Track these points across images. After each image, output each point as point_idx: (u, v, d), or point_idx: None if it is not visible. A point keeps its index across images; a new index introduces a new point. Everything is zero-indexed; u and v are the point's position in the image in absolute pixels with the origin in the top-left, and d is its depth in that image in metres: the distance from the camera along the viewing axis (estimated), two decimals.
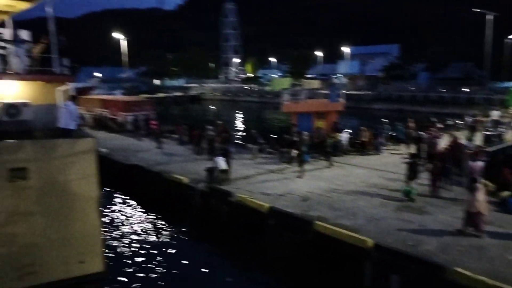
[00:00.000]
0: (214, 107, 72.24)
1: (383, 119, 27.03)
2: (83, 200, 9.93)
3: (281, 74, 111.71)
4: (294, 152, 20.33)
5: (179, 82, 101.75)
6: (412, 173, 15.45)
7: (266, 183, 17.58)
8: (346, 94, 33.46)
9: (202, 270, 13.21)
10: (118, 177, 20.90)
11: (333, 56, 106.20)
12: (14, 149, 9.07)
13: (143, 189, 20.10)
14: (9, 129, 11.65)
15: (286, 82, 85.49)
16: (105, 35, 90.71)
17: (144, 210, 18.81)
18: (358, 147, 23.70)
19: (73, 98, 11.33)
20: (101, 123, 36.93)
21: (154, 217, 17.82)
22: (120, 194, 20.58)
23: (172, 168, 20.52)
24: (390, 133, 26.06)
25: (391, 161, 21.16)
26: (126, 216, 18.13)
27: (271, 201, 14.91)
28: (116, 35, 58.30)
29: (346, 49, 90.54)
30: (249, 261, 13.68)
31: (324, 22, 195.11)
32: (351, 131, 25.14)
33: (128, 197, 20.33)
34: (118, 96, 55.40)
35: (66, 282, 9.88)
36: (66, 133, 10.61)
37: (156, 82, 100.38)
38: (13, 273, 9.16)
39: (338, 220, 13.11)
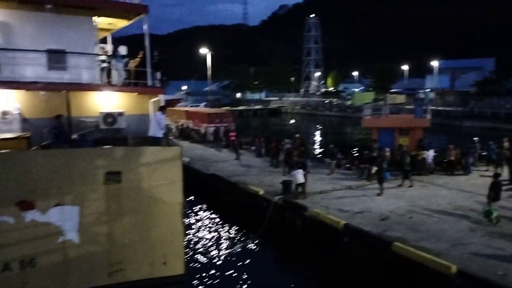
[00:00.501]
0: (293, 121, 72.35)
1: (474, 138, 24.86)
2: (168, 205, 10.38)
3: (363, 88, 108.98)
4: (374, 169, 19.46)
5: (260, 95, 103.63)
6: (495, 193, 14.01)
7: (343, 199, 16.99)
8: (434, 110, 31.53)
9: (273, 281, 13.07)
10: (197, 185, 21.54)
11: (421, 70, 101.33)
12: (110, 154, 9.75)
13: (219, 198, 20.48)
14: (105, 136, 12.66)
15: (369, 96, 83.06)
16: (192, 50, 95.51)
17: (219, 218, 19.14)
18: (445, 166, 22.05)
19: (162, 109, 11.99)
20: (184, 133, 38.63)
21: (229, 225, 18.04)
22: (198, 201, 21.17)
23: (249, 179, 20.69)
24: (481, 152, 23.92)
25: (481, 183, 19.30)
26: (203, 223, 18.60)
27: (347, 218, 14.37)
28: (203, 50, 60.98)
29: (434, 63, 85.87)
30: (321, 277, 13.26)
31: (412, 35, 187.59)
32: (436, 149, 23.52)
33: (205, 205, 20.85)
34: (202, 108, 57.79)
35: (149, 281, 10.33)
36: (155, 141, 11.18)
37: (238, 95, 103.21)
38: (104, 270, 9.80)
39: (419, 242, 12.20)
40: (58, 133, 11.80)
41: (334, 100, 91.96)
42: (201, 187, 21.72)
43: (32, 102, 12.30)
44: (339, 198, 17.16)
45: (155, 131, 11.35)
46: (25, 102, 12.22)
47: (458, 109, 62.45)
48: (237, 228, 17.67)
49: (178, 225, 10.60)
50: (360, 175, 21.08)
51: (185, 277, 11.08)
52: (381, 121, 25.27)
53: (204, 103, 71.14)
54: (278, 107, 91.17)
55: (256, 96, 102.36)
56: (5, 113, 11.82)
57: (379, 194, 17.49)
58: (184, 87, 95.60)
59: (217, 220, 19.01)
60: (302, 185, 17.27)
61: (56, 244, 9.23)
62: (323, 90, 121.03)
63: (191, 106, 59.24)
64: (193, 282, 12.36)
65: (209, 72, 58.24)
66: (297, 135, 28.64)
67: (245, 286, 12.60)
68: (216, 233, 17.29)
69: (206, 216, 19.58)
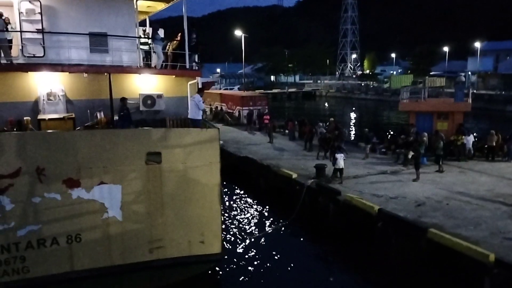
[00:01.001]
0: (327, 104, 71.50)
1: None
2: (206, 185, 10.63)
3: (401, 71, 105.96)
4: (410, 154, 19.12)
5: (294, 78, 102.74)
6: None
7: (377, 184, 16.85)
8: (475, 93, 30.38)
9: (305, 264, 13.22)
10: (229, 168, 21.86)
11: (462, 52, 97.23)
12: (150, 135, 10.03)
13: (252, 180, 20.72)
14: (145, 118, 13.03)
15: (407, 79, 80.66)
16: (227, 32, 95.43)
17: (252, 201, 19.44)
18: (486, 152, 21.36)
19: (200, 91, 12.17)
20: (218, 116, 39.03)
21: (261, 208, 18.30)
22: (231, 184, 21.49)
23: (282, 162, 20.79)
24: None
25: None
26: (236, 204, 18.92)
27: (381, 203, 14.27)
28: (237, 32, 60.82)
29: (477, 44, 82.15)
30: (353, 262, 13.31)
31: (453, 15, 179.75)
32: (478, 134, 22.78)
33: (238, 187, 21.15)
34: (235, 91, 58.04)
35: (188, 259, 10.72)
36: (194, 123, 11.41)
37: (272, 78, 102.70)
38: (145, 246, 10.23)
39: (456, 229, 12.00)
40: (124, 115, 12.22)
41: (371, 83, 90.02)
42: (234, 169, 22.00)
43: (75, 84, 12.73)
44: (373, 183, 17.03)
45: (194, 113, 11.54)
46: (68, 84, 12.67)
47: (501, 93, 59.84)
48: (269, 210, 17.89)
49: (216, 205, 10.85)
50: (395, 160, 20.79)
51: (221, 256, 11.41)
52: (419, 105, 24.63)
53: (238, 86, 71.37)
54: (313, 90, 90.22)
55: (290, 79, 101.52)
56: (50, 95, 12.32)
57: (415, 180, 17.22)
58: (218, 70, 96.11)
59: (250, 202, 19.30)
60: (341, 170, 17.19)
61: (100, 221, 9.68)
62: (359, 72, 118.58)
63: (225, 89, 59.52)
64: (229, 262, 12.71)
65: (243, 54, 58.12)
66: (332, 119, 28.42)
67: (278, 268, 12.82)
68: (249, 215, 17.57)
69: (238, 198, 19.90)
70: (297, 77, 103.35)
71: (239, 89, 65.72)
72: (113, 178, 9.57)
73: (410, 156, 19.20)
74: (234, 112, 38.24)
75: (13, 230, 8.97)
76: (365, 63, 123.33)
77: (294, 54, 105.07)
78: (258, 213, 17.81)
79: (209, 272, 12.05)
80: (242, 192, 20.72)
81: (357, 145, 24.82)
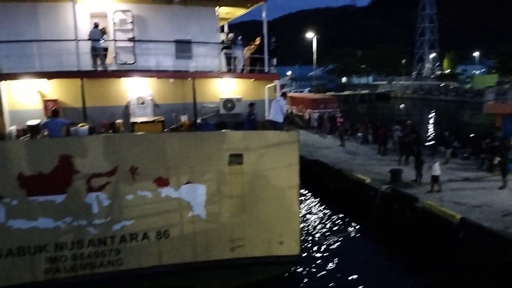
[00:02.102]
0: (403, 106, 68.81)
1: None
2: (286, 187, 10.87)
3: (485, 70, 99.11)
4: (496, 159, 17.98)
5: (367, 79, 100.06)
6: None
7: (459, 191, 16.04)
8: None
9: (379, 271, 12.99)
10: (300, 171, 21.88)
11: None
12: (233, 137, 10.48)
13: (323, 184, 20.60)
14: (224, 121, 13.61)
15: (491, 79, 75.18)
16: (297, 35, 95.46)
17: (323, 204, 19.32)
18: None
19: (283, 95, 12.43)
20: (288, 119, 39.13)
21: (333, 212, 18.14)
22: (302, 187, 21.46)
23: (354, 166, 20.46)
24: None
25: None
26: (307, 208, 18.96)
27: (463, 212, 13.58)
28: (309, 34, 60.73)
29: None
30: (430, 272, 12.74)
31: None
32: None
33: (309, 191, 21.10)
34: (306, 93, 57.83)
35: (267, 259, 11.01)
36: (274, 125, 11.70)
37: (343, 79, 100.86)
38: (227, 245, 10.70)
39: None
40: (252, 120, 12.73)
41: (451, 83, 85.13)
42: (304, 173, 21.96)
43: (161, 88, 13.62)
44: (454, 190, 16.22)
45: (276, 115, 11.78)
46: (156, 89, 13.58)
47: None
48: (340, 215, 17.68)
49: (295, 207, 11.04)
50: (479, 166, 19.62)
51: (300, 257, 11.54)
52: (506, 106, 23.09)
53: (308, 89, 71.04)
54: (387, 92, 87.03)
55: (363, 80, 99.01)
56: (140, 99, 13.28)
57: (501, 187, 16.18)
58: (289, 73, 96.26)
59: (321, 206, 19.21)
60: (437, 178, 16.10)
61: (186, 218, 10.25)
62: (438, 72, 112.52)
63: (295, 92, 59.61)
64: (304, 264, 12.75)
65: (314, 56, 57.87)
66: (409, 121, 27.43)
67: (352, 274, 12.67)
68: (320, 219, 17.54)
69: (310, 201, 19.89)
70: (370, 78, 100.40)
71: (309, 91, 65.47)
72: (198, 178, 10.10)
73: (496, 162, 18.06)
74: (304, 115, 38.21)
75: (109, 224, 9.79)
76: (445, 63, 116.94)
77: (367, 55, 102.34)
78: (329, 217, 17.70)
79: (287, 273, 12.26)
80: (312, 195, 20.67)
81: (436, 150, 23.76)
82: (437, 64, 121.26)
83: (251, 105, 13.01)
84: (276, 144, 10.53)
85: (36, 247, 9.45)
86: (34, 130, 11.59)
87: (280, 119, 11.78)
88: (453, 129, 31.10)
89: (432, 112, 58.76)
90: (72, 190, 9.41)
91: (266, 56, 13.94)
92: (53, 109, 11.24)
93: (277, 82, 14.22)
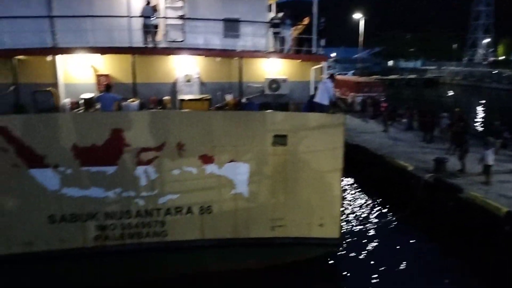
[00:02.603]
0: (452, 93, 66.11)
1: None
2: (329, 170, 10.86)
3: None
4: None
5: (415, 63, 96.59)
6: None
7: (507, 184, 15.43)
8: None
9: (417, 260, 12.81)
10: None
11: None
12: (278, 118, 10.53)
13: (363, 169, 20.32)
14: (269, 101, 13.66)
15: None
16: (343, 16, 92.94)
17: (362, 190, 19.15)
18: None
19: (331, 77, 12.26)
20: (331, 102, 38.60)
21: (372, 198, 17.97)
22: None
23: (396, 153, 20.03)
24: None
25: None
26: (346, 192, 18.80)
27: (510, 205, 13.08)
28: (355, 15, 59.06)
29: None
30: (470, 265, 12.55)
31: None
32: None
33: (348, 175, 20.87)
34: (350, 76, 56.62)
35: (306, 240, 11.17)
36: (320, 108, 11.60)
37: (390, 63, 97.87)
38: (267, 223, 10.90)
39: None
40: (309, 101, 12.67)
41: (504, 71, 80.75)
42: (345, 157, 21.75)
43: (208, 67, 13.79)
44: (502, 182, 15.60)
45: (322, 97, 11.65)
46: (202, 67, 13.77)
47: None
48: (379, 202, 17.47)
49: (337, 190, 11.04)
50: None
51: (340, 241, 11.60)
52: None
53: (352, 71, 69.49)
54: (435, 77, 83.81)
55: (411, 64, 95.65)
56: (187, 77, 13.52)
57: None
58: (333, 54, 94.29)
59: (359, 191, 19.03)
60: (489, 168, 15.59)
61: (229, 196, 10.50)
62: (491, 59, 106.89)
63: (339, 74, 58.50)
64: (343, 248, 12.82)
65: (360, 38, 56.41)
66: (457, 109, 26.44)
67: (390, 261, 12.62)
68: (358, 204, 17.42)
69: (348, 186, 19.72)
70: (418, 63, 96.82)
71: (353, 74, 64.07)
72: (242, 157, 10.27)
73: None
74: (347, 98, 37.53)
75: (156, 197, 10.19)
76: (499, 49, 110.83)
77: (416, 38, 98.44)
78: (367, 203, 17.55)
79: (326, 256, 12.34)
80: (352, 180, 20.49)
81: (484, 140, 22.83)
82: (490, 50, 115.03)
83: (316, 89, 12.80)
84: (322, 126, 10.49)
85: (87, 215, 10.00)
86: (88, 103, 12.12)
87: (326, 101, 11.65)
88: (504, 119, 29.69)
89: (483, 100, 56.22)
90: (122, 162, 9.82)
91: (314, 37, 13.74)
92: (106, 84, 11.68)
93: (324, 64, 14.05)
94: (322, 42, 14.44)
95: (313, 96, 12.52)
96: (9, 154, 9.40)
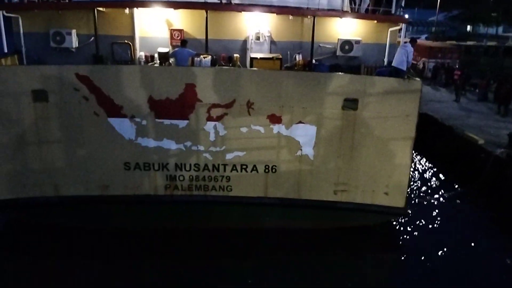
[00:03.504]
0: None
1: None
2: (400, 138, 10.51)
3: None
4: None
5: (496, 29, 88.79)
6: None
7: None
8: None
9: (481, 240, 12.32)
10: None
11: None
12: (348, 81, 10.21)
13: (430, 140, 19.48)
14: (340, 63, 13.28)
15: None
16: None
17: (427, 160, 18.55)
18: None
19: (413, 42, 11.63)
20: (408, 68, 36.86)
21: (437, 170, 17.42)
22: None
23: (467, 125, 19.03)
24: None
25: None
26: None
27: None
28: None
29: None
30: None
31: None
32: None
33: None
34: (422, 40, 53.44)
35: (369, 207, 11.06)
36: (396, 72, 11.15)
37: (468, 28, 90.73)
38: (330, 187, 10.88)
39: None
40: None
41: None
42: None
43: (279, 25, 13.55)
44: None
45: (400, 62, 11.11)
46: (274, 25, 13.54)
47: None
48: (445, 174, 16.88)
49: (406, 159, 10.69)
50: None
51: (404, 211, 11.39)
52: None
53: (426, 35, 65.48)
54: None
55: (492, 30, 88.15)
56: (258, 35, 13.39)
57: None
58: (406, 16, 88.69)
59: (425, 162, 18.39)
60: None
61: (294, 157, 10.53)
62: None
63: (411, 38, 55.23)
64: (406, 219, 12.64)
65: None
66: None
67: (453, 237, 12.31)
68: (422, 176, 16.92)
69: (414, 155, 19.07)
70: (500, 29, 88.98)
71: (427, 38, 60.39)
72: (310, 119, 10.19)
73: None
74: (418, 63, 35.63)
75: (223, 152, 10.45)
76: None
77: (501, 1, 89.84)
78: (433, 175, 17.05)
79: (389, 224, 12.27)
80: (417, 150, 19.75)
81: None
82: None
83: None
84: (396, 92, 10.07)
85: (159, 165, 10.50)
86: (163, 57, 12.44)
87: (404, 66, 11.13)
88: None
89: None
90: (194, 117, 10.10)
91: None
92: (182, 39, 11.89)
93: (403, 26, 13.31)
94: (402, 2, 13.61)
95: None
96: (91, 103, 9.96)
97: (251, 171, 10.61)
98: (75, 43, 13.05)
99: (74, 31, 12.95)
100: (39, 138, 10.20)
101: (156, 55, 13.20)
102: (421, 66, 35.05)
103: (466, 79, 27.92)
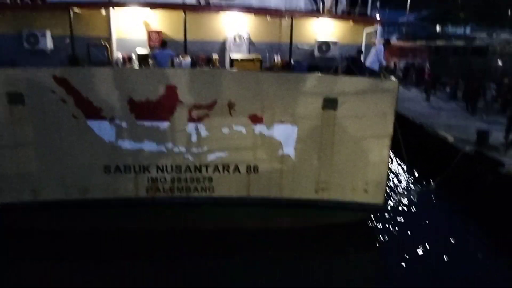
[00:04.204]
0: (502, 63, 62.68)
1: None
2: (378, 136, 10.76)
3: None
4: None
5: (464, 29, 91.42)
6: None
7: None
8: None
9: (451, 235, 12.53)
10: None
11: None
12: (328, 81, 10.42)
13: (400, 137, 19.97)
14: (317, 63, 13.48)
15: None
16: None
17: (397, 158, 18.94)
18: None
19: (387, 43, 11.83)
20: (381, 67, 37.66)
21: (408, 167, 17.80)
22: None
23: (437, 123, 19.60)
24: None
25: None
26: None
27: None
28: None
29: None
30: (507, 246, 12.10)
31: None
32: None
33: None
34: (393, 41, 54.59)
35: (349, 204, 11.28)
36: (370, 72, 11.41)
37: (437, 28, 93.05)
38: (311, 185, 11.04)
39: None
40: (355, 62, 12.60)
41: None
42: None
43: (258, 26, 13.66)
44: None
45: (372, 62, 11.41)
46: (252, 26, 13.65)
47: None
48: (414, 171, 17.35)
49: (384, 156, 10.98)
50: None
51: (383, 207, 11.70)
52: None
53: (396, 36, 66.96)
54: (486, 46, 79.36)
55: (460, 30, 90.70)
56: (236, 36, 13.47)
57: None
58: (377, 16, 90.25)
59: (396, 159, 18.86)
60: None
61: (275, 157, 10.64)
62: None
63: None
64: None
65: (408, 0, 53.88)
66: (506, 80, 25.32)
67: (423, 233, 12.60)
68: (394, 172, 17.35)
69: None
70: (468, 29, 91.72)
71: (397, 39, 61.79)
72: (291, 118, 10.33)
73: None
74: (389, 64, 36.50)
75: (205, 153, 10.46)
76: None
77: (469, 2, 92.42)
78: (403, 172, 17.52)
79: (367, 221, 12.53)
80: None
81: None
82: None
83: (359, 52, 12.78)
84: (373, 91, 10.33)
85: (140, 167, 10.43)
86: (143, 58, 12.36)
87: (375, 66, 11.46)
88: None
89: None
90: (175, 118, 10.08)
91: None
92: (163, 41, 11.84)
93: (378, 27, 13.66)
94: (377, 4, 13.97)
95: (352, 59, 12.43)
96: (69, 105, 9.81)
97: (233, 172, 10.67)
98: (50, 44, 12.79)
99: (48, 32, 12.69)
100: (15, 141, 9.97)
101: (134, 56, 13.10)
102: (392, 66, 35.92)
103: (436, 78, 28.76)
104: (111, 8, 12.63)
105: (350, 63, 12.11)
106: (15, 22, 12.67)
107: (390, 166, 17.34)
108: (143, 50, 12.78)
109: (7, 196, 10.34)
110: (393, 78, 11.10)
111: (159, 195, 10.68)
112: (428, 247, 11.73)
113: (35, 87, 9.63)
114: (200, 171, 10.60)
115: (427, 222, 13.30)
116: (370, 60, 11.48)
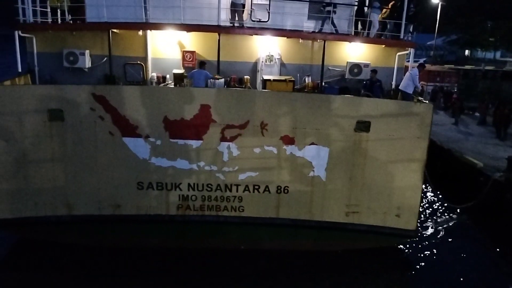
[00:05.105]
0: None
1: None
2: (411, 160, 10.63)
3: None
4: None
5: (494, 54, 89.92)
6: None
7: None
8: None
9: (482, 262, 12.40)
10: None
11: None
12: (362, 103, 10.40)
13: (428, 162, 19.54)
14: (348, 86, 13.49)
15: None
16: None
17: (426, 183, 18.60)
18: None
19: (420, 66, 11.82)
20: (415, 92, 37.22)
21: (434, 193, 17.46)
22: None
23: (465, 148, 19.14)
24: None
25: None
26: None
27: None
28: None
29: None
30: None
31: None
32: None
33: None
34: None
35: (381, 229, 11.10)
36: (403, 95, 11.33)
37: (466, 52, 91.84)
38: (342, 209, 10.96)
39: None
40: (377, 86, 12.93)
41: None
42: None
43: (290, 48, 13.78)
44: None
45: (406, 85, 11.38)
46: (284, 48, 13.78)
47: None
48: (443, 197, 16.88)
49: (418, 182, 10.79)
50: None
51: (415, 233, 11.43)
52: None
53: (424, 59, 66.37)
54: None
55: (489, 55, 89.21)
56: (268, 57, 13.62)
57: None
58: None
59: (425, 185, 18.46)
60: None
61: (306, 178, 10.65)
62: None
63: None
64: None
65: (436, 24, 53.45)
66: None
67: (454, 259, 12.34)
68: (425, 198, 16.88)
69: None
70: (498, 54, 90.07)
71: (425, 62, 61.25)
72: (323, 140, 10.32)
73: None
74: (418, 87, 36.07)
75: (236, 173, 10.55)
76: None
77: (499, 27, 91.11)
78: (430, 198, 17.09)
79: (399, 246, 12.29)
80: None
81: None
82: None
83: (374, 71, 12.82)
84: (406, 114, 10.24)
85: (172, 184, 10.57)
86: (178, 78, 12.62)
87: (409, 90, 11.42)
88: None
89: None
90: (208, 137, 10.23)
91: (403, 22, 13.21)
92: (201, 61, 12.18)
93: (411, 51, 13.60)
94: (410, 28, 13.93)
95: (377, 80, 12.72)
96: (106, 122, 10.09)
97: (263, 192, 10.68)
98: (88, 63, 13.22)
99: (87, 52, 13.13)
100: (52, 156, 10.27)
101: (168, 76, 13.39)
102: (420, 89, 35.47)
103: (462, 102, 28.30)
104: (148, 30, 12.99)
105: (365, 88, 12.36)
106: (56, 41, 13.16)
107: (422, 191, 17.02)
108: (179, 70, 13.05)
109: (42, 210, 10.59)
110: (427, 101, 10.96)
111: (190, 213, 10.77)
112: (460, 276, 11.42)
113: (75, 104, 9.96)
114: (230, 190, 10.66)
115: (459, 250, 12.93)
116: (405, 84, 11.44)
